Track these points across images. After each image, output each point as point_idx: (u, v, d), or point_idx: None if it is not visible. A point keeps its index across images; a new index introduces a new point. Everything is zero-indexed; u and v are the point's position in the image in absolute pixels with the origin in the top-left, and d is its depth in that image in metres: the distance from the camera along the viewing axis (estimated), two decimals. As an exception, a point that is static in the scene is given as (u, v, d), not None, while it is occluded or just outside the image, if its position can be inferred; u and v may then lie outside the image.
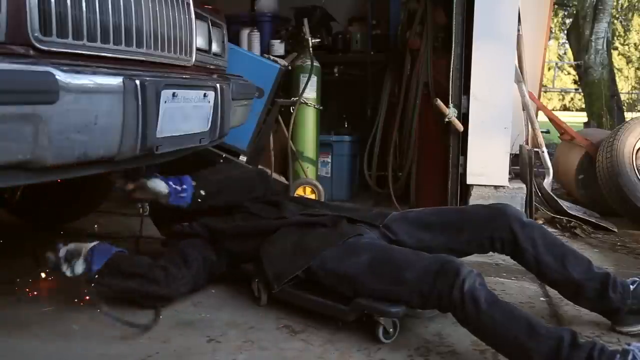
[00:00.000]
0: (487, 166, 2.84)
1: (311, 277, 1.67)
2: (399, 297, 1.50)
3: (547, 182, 3.27)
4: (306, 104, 3.27)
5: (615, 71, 10.82)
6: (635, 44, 18.16)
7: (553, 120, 3.71)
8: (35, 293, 1.84)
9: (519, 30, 3.00)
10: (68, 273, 1.70)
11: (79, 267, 1.71)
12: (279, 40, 3.58)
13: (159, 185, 1.83)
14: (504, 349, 1.36)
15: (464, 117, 2.87)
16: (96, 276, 1.70)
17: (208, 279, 1.90)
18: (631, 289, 1.56)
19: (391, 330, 1.53)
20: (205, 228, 1.91)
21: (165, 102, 1.46)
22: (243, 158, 3.19)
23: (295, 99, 3.23)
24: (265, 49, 3.55)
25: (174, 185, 1.83)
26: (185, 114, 1.60)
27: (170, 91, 1.48)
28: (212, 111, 1.76)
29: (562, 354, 1.24)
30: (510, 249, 1.67)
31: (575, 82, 16.36)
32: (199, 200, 1.88)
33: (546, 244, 1.63)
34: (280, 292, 1.70)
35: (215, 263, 1.88)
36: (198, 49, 1.80)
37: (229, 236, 1.87)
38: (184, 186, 1.85)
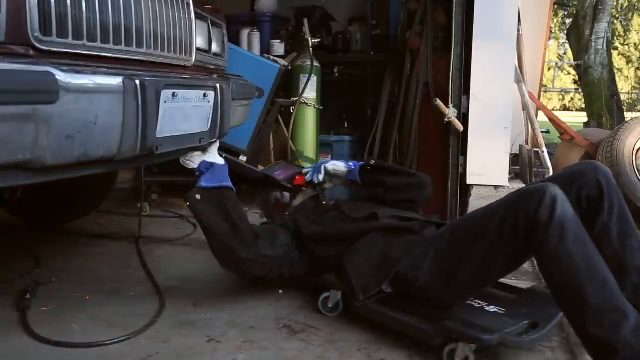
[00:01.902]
0: (487, 166, 2.84)
1: (400, 284, 1.57)
2: (493, 251, 1.38)
3: (547, 182, 3.27)
4: (306, 104, 3.27)
5: (615, 71, 10.82)
6: (635, 44, 18.16)
7: (553, 120, 3.72)
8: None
9: (519, 30, 2.99)
10: (184, 161, 1.75)
11: (193, 163, 1.75)
12: (279, 40, 3.58)
13: (338, 167, 2.07)
14: (562, 293, 1.27)
15: (464, 117, 2.87)
16: (197, 195, 1.66)
17: (282, 275, 1.82)
18: None
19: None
20: (295, 225, 1.87)
21: (165, 102, 1.46)
22: (243, 158, 3.19)
23: (295, 99, 3.24)
24: (265, 49, 3.55)
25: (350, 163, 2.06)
26: (185, 114, 1.59)
27: (170, 91, 1.48)
28: (212, 111, 1.76)
29: (621, 332, 1.16)
30: (592, 206, 1.50)
31: (575, 82, 16.37)
32: (369, 168, 2.01)
33: (620, 214, 1.50)
34: (362, 307, 1.61)
35: (296, 261, 1.82)
36: (198, 49, 1.79)
37: (313, 240, 1.82)
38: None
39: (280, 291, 1.93)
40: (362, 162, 2.06)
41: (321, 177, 2.07)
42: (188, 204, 1.67)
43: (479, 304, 1.60)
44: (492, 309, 1.56)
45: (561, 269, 1.25)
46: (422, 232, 1.71)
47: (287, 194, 2.19)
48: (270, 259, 1.74)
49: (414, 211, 2.00)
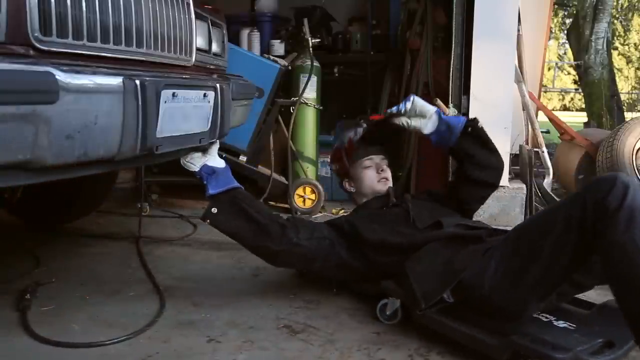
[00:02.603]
0: (487, 166, 2.83)
1: (464, 292, 1.47)
2: (560, 247, 1.30)
3: (547, 182, 3.27)
4: (306, 104, 3.27)
5: (615, 71, 10.82)
6: (635, 44, 18.18)
7: (553, 120, 3.72)
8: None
9: (519, 30, 3.00)
10: (185, 161, 1.71)
11: (194, 165, 1.71)
12: (279, 40, 3.59)
13: (427, 105, 1.80)
14: (622, 284, 1.19)
15: (464, 117, 2.88)
16: (213, 209, 1.66)
17: (327, 269, 1.78)
18: None
19: None
20: (352, 227, 1.78)
21: (165, 102, 1.46)
22: (243, 158, 3.20)
23: (295, 99, 3.24)
24: (265, 49, 3.56)
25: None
26: (185, 114, 1.59)
27: (170, 91, 1.48)
28: (212, 111, 1.76)
29: None
30: None
31: (575, 82, 16.38)
32: (470, 130, 1.78)
33: None
34: (423, 316, 1.53)
35: (345, 261, 1.75)
36: (198, 49, 1.79)
37: (372, 246, 1.73)
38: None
39: (335, 290, 1.90)
40: (465, 118, 1.83)
41: (409, 105, 1.77)
42: (208, 221, 1.67)
43: (546, 317, 1.49)
44: (561, 324, 1.45)
45: (624, 257, 1.17)
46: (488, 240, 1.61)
47: (359, 130, 1.92)
48: (306, 249, 1.70)
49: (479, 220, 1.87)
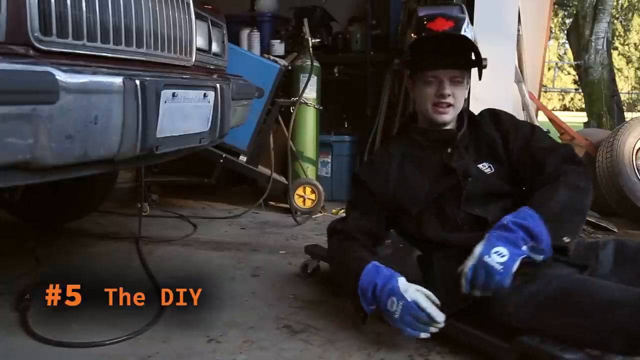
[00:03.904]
0: (487, 166, 2.83)
1: (489, 308, 1.41)
2: (593, 337, 1.23)
3: (547, 182, 3.26)
4: (306, 104, 3.27)
5: (615, 71, 10.82)
6: (635, 44, 18.18)
7: (553, 120, 3.72)
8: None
9: (519, 30, 3.00)
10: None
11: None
12: (279, 40, 3.59)
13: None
14: None
15: (464, 117, 2.87)
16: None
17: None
18: None
19: None
20: (395, 189, 1.63)
21: (165, 102, 1.46)
22: (243, 158, 3.20)
23: (295, 99, 3.24)
24: (265, 49, 3.56)
25: None
26: (185, 114, 1.59)
27: (170, 91, 1.48)
28: (212, 111, 1.76)
29: None
30: None
31: (575, 82, 16.38)
32: None
33: None
34: None
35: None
36: (198, 49, 1.80)
37: (407, 216, 1.63)
38: None
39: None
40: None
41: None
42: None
43: None
44: None
45: None
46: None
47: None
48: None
49: None
